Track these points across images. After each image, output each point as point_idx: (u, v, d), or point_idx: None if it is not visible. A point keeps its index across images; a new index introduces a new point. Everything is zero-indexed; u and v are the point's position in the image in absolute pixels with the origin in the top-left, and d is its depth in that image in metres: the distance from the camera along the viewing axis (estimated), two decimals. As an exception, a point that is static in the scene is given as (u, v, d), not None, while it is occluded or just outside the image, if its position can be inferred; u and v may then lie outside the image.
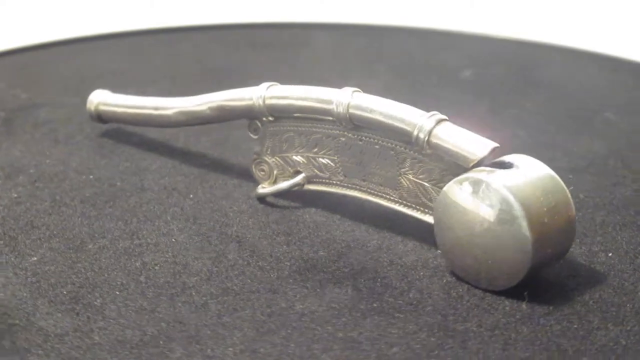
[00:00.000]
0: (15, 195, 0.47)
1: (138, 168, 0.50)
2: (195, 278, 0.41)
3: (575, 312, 0.39)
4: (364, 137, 0.44)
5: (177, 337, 0.37)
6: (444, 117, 0.41)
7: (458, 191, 0.40)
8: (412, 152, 0.42)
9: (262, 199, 0.47)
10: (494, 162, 0.40)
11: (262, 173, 0.47)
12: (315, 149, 0.45)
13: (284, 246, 0.43)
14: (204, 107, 0.48)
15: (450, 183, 0.40)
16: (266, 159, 0.47)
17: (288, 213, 0.46)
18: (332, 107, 0.43)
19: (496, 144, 0.40)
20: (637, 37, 0.82)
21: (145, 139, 0.53)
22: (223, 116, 0.47)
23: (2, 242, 0.43)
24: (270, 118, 0.46)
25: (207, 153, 0.52)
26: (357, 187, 0.45)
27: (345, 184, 0.45)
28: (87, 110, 0.53)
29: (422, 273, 0.42)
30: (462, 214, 0.40)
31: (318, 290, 0.40)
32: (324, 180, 0.46)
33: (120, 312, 0.38)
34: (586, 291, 0.40)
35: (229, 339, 0.37)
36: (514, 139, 0.55)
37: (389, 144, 0.43)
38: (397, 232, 0.44)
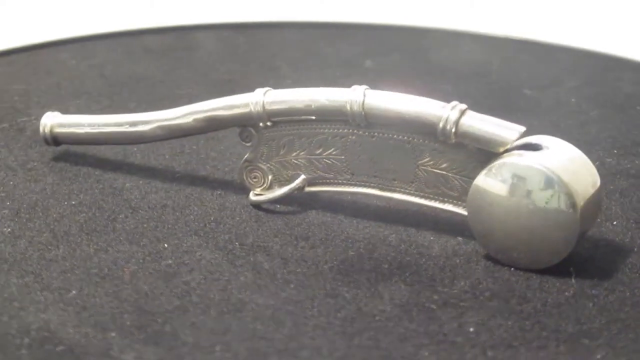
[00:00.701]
0: (9, 230, 0.44)
1: (114, 188, 0.48)
2: (247, 291, 0.40)
3: (619, 281, 0.41)
4: (376, 134, 0.44)
5: (270, 353, 0.36)
6: (465, 106, 0.42)
7: (496, 178, 0.41)
8: (432, 143, 0.43)
9: (257, 205, 0.47)
10: (521, 145, 0.42)
11: (255, 180, 0.47)
12: (319, 150, 0.45)
13: (311, 250, 0.43)
14: (188, 120, 0.46)
15: (485, 171, 0.41)
16: (260, 165, 0.46)
17: (292, 217, 0.46)
18: (346, 106, 0.43)
19: (523, 127, 0.42)
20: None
21: (101, 157, 0.51)
22: (210, 127, 0.46)
23: (26, 279, 0.40)
24: (268, 123, 0.45)
25: (171, 165, 0.50)
26: (366, 183, 0.45)
27: (352, 182, 0.45)
28: (42, 133, 0.50)
29: (456, 261, 0.43)
30: (504, 200, 0.41)
31: (372, 289, 0.40)
32: (328, 181, 0.46)
33: (196, 335, 0.37)
34: (615, 259, 0.43)
35: (324, 349, 0.36)
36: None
37: (405, 138, 0.43)
38: (410, 225, 0.45)
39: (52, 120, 0.49)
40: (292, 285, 0.40)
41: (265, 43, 0.73)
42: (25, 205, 0.46)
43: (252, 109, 0.45)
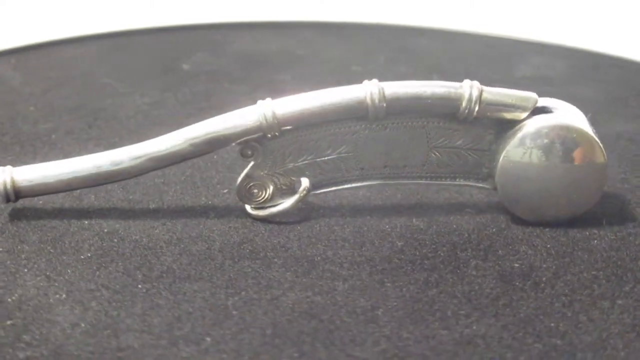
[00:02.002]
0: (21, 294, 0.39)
1: (114, 230, 0.44)
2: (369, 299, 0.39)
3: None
4: (390, 124, 0.44)
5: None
6: (477, 82, 0.44)
7: (530, 143, 0.43)
8: (447, 123, 0.44)
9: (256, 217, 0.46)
10: (534, 110, 0.44)
11: (255, 194, 0.45)
12: (328, 151, 0.45)
13: (356, 250, 0.43)
14: (183, 145, 0.44)
15: (517, 140, 0.43)
16: (262, 178, 0.45)
17: (312, 222, 0.45)
18: (366, 101, 0.43)
19: (534, 93, 0.44)
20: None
21: (65, 204, 0.46)
22: (210, 149, 0.44)
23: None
24: (276, 134, 0.44)
25: (143, 197, 0.47)
26: (377, 175, 0.45)
27: (362, 177, 0.46)
28: (2, 191, 0.44)
29: (491, 231, 0.44)
30: (539, 163, 0.43)
31: (450, 275, 0.41)
32: (335, 180, 0.46)
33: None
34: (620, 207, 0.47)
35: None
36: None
37: (420, 123, 0.44)
38: (424, 209, 0.46)
39: (12, 174, 0.45)
40: (388, 284, 0.40)
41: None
42: (27, 272, 0.41)
43: (264, 122, 0.43)
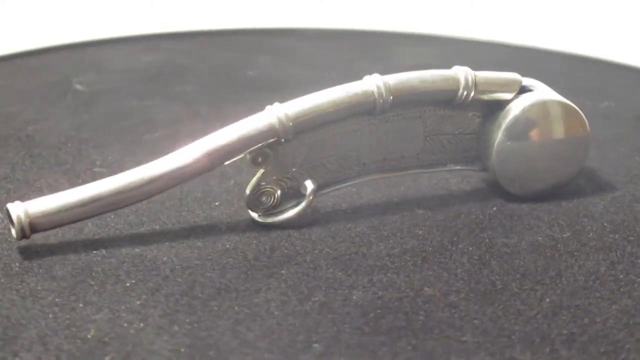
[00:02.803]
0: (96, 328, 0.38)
1: (137, 254, 0.42)
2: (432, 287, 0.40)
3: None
4: (390, 117, 0.46)
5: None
6: (466, 67, 0.46)
7: (519, 125, 0.46)
8: (442, 110, 0.46)
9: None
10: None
11: (264, 199, 0.45)
12: (333, 150, 0.46)
13: (385, 244, 0.44)
14: (202, 160, 0.43)
15: (508, 122, 0.46)
16: (271, 184, 0.45)
17: (323, 224, 0.46)
18: (374, 96, 0.44)
19: (518, 74, 0.47)
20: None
21: (66, 235, 0.44)
22: (227, 159, 0.44)
23: None
24: (290, 137, 0.44)
25: (139, 218, 0.46)
26: (376, 169, 0.47)
27: (363, 172, 0.47)
28: (17, 227, 0.42)
29: (493, 210, 0.47)
30: (532, 141, 0.47)
31: (488, 254, 0.43)
32: (338, 179, 0.46)
33: None
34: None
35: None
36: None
37: (417, 112, 0.46)
38: (418, 198, 0.48)
39: (25, 209, 0.42)
40: (439, 270, 0.42)
41: None
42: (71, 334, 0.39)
43: (278, 127, 0.43)
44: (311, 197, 0.45)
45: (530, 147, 0.46)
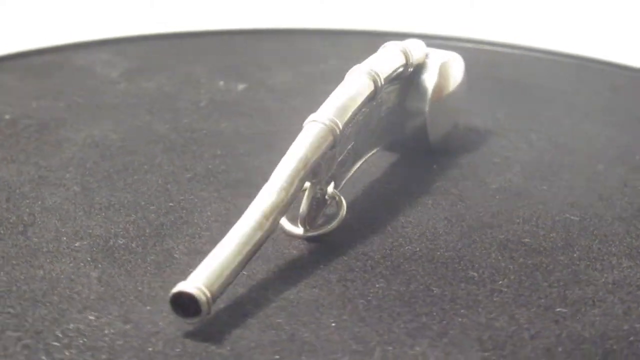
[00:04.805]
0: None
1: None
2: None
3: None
4: (374, 102, 0.48)
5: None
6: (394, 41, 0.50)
7: (444, 80, 0.52)
8: (390, 86, 0.49)
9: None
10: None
11: (316, 211, 0.45)
12: (348, 145, 0.46)
13: (419, 245, 0.45)
14: (296, 185, 0.42)
15: (437, 83, 0.51)
16: (315, 195, 0.45)
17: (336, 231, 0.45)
18: (377, 84, 0.47)
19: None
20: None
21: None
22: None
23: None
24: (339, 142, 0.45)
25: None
26: (363, 155, 0.48)
27: (355, 161, 0.48)
28: (205, 308, 0.37)
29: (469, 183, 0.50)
30: (451, 92, 0.52)
31: (527, 238, 0.46)
32: (341, 174, 0.47)
33: None
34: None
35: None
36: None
37: (388, 90, 0.49)
38: (396, 193, 0.50)
39: (203, 284, 0.38)
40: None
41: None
42: None
43: (335, 134, 0.44)
44: (340, 201, 0.45)
45: (451, 99, 0.52)
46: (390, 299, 0.41)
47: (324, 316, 0.39)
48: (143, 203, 0.48)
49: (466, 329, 0.39)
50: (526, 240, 0.45)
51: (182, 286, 0.37)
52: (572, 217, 0.47)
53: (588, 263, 0.43)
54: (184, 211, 0.47)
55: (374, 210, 0.48)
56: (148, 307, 0.39)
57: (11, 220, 0.46)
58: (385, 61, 0.49)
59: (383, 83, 0.47)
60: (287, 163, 0.43)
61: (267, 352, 0.37)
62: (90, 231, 0.45)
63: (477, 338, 0.38)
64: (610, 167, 0.53)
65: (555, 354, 0.37)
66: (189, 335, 0.38)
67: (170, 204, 0.48)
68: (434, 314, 0.39)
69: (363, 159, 0.49)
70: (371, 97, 0.47)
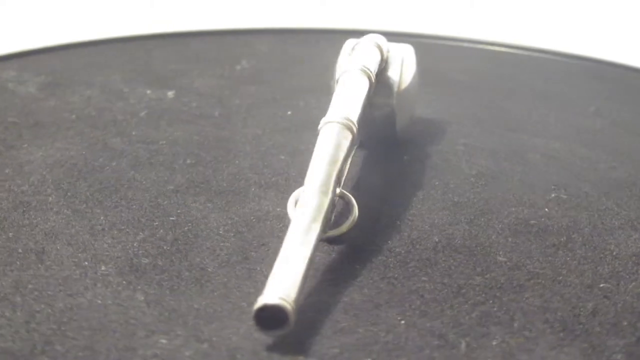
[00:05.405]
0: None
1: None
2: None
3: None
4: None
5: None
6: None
7: (409, 71, 0.53)
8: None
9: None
10: None
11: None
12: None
13: (448, 248, 0.46)
14: (328, 195, 0.42)
15: (405, 75, 0.53)
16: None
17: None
18: (371, 80, 0.49)
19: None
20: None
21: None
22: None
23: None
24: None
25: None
26: (350, 153, 0.47)
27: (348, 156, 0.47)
28: (290, 317, 0.36)
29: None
30: (412, 82, 0.53)
31: (550, 224, 0.47)
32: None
33: None
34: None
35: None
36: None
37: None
38: (391, 194, 0.50)
39: (287, 298, 0.37)
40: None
41: None
42: None
43: (353, 132, 0.44)
44: (350, 200, 0.45)
45: (412, 89, 0.53)
46: (441, 292, 0.41)
47: (388, 315, 0.39)
48: (144, 220, 0.46)
49: (527, 313, 0.39)
50: (532, 222, 0.47)
51: (266, 299, 0.36)
52: (561, 196, 0.49)
53: (601, 238, 0.45)
54: (189, 224, 0.46)
55: (374, 207, 0.48)
56: (213, 325, 0.38)
57: (19, 251, 0.43)
58: (371, 58, 0.50)
59: (374, 80, 0.48)
60: (319, 166, 0.43)
61: (358, 357, 0.37)
62: (108, 254, 0.43)
63: (544, 321, 0.39)
64: (569, 146, 0.55)
65: (622, 329, 0.38)
66: (271, 348, 0.37)
67: (172, 218, 0.46)
68: (490, 302, 0.40)
69: (350, 157, 0.48)
70: (369, 94, 0.48)
